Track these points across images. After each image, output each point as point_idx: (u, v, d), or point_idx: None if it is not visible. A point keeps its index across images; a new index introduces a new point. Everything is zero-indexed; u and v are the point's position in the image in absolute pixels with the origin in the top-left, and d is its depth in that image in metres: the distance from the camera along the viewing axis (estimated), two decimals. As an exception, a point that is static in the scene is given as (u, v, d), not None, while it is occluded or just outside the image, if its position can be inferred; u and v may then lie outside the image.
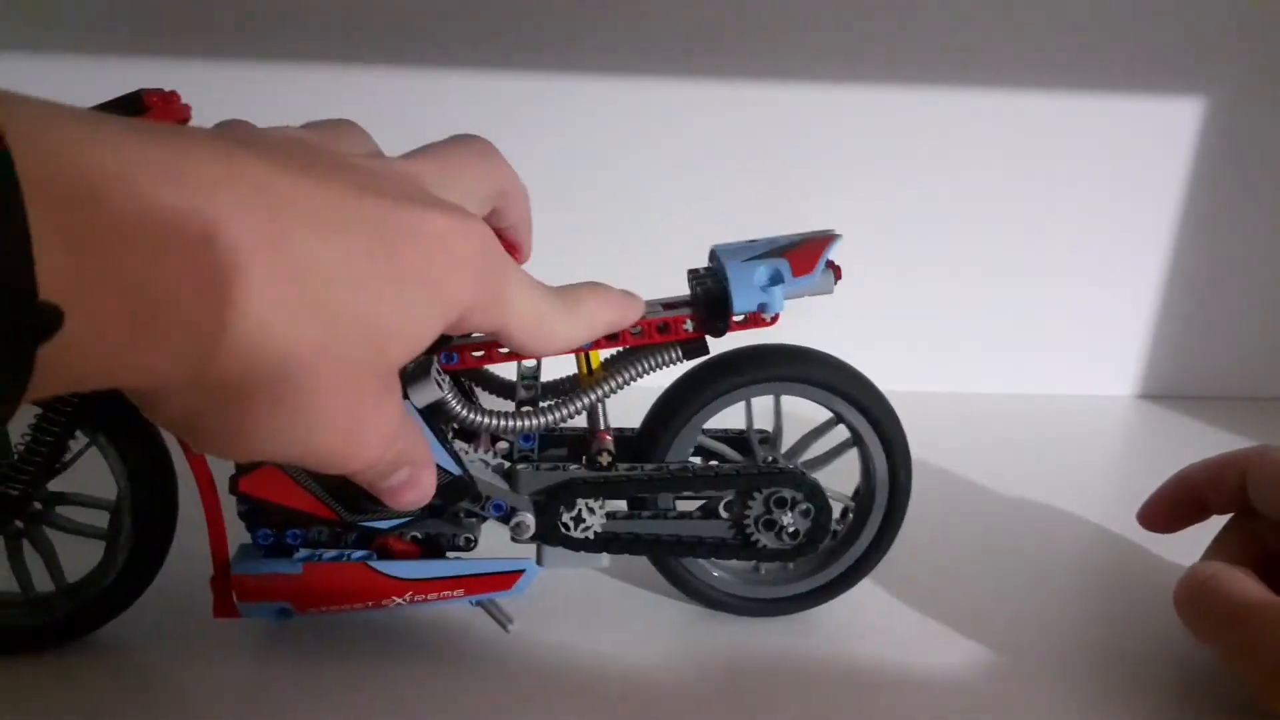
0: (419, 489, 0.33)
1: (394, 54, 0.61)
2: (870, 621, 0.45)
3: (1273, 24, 0.63)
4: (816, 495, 0.41)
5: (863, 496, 0.44)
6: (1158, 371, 0.71)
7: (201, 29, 0.60)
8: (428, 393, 0.36)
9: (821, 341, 0.43)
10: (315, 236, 0.26)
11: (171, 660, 0.41)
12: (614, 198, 0.64)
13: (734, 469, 0.42)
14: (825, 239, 0.39)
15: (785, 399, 0.43)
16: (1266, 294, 0.70)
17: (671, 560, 0.44)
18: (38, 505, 0.40)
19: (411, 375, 0.36)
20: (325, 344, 0.26)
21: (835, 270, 0.39)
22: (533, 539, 0.41)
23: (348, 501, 0.37)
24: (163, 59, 0.61)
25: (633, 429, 0.44)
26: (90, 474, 0.40)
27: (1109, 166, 0.66)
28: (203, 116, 0.35)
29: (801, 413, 0.43)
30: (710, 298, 0.39)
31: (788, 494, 0.41)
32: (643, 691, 0.40)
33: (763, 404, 0.44)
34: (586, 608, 0.45)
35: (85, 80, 0.60)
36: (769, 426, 0.45)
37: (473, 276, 0.30)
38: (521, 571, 0.40)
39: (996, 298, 0.69)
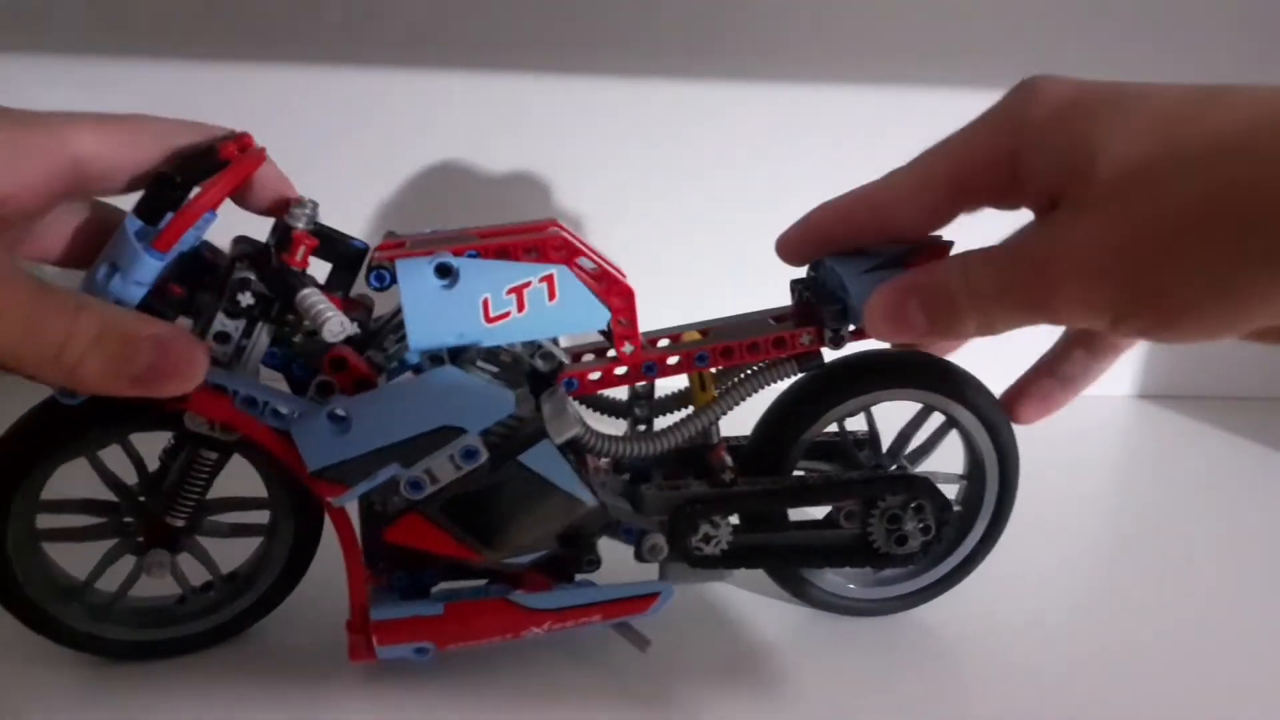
0: (185, 356, 0.32)
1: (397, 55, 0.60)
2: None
3: (1267, 18, 0.62)
4: (937, 499, 0.42)
5: (968, 505, 0.45)
6: (1157, 371, 0.72)
7: (198, 30, 0.59)
8: (569, 428, 0.36)
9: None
10: None
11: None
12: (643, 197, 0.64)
13: (857, 477, 0.42)
14: (942, 247, 0.39)
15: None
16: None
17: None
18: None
19: (551, 413, 0.36)
20: None
21: None
22: (666, 559, 0.41)
23: (490, 541, 0.37)
24: (162, 59, 0.60)
25: (738, 438, 0.44)
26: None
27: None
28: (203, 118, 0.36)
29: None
30: (822, 310, 0.39)
31: (910, 499, 0.41)
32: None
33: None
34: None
35: (85, 80, 0.59)
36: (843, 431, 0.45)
37: None
38: (658, 594, 0.40)
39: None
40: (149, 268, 0.33)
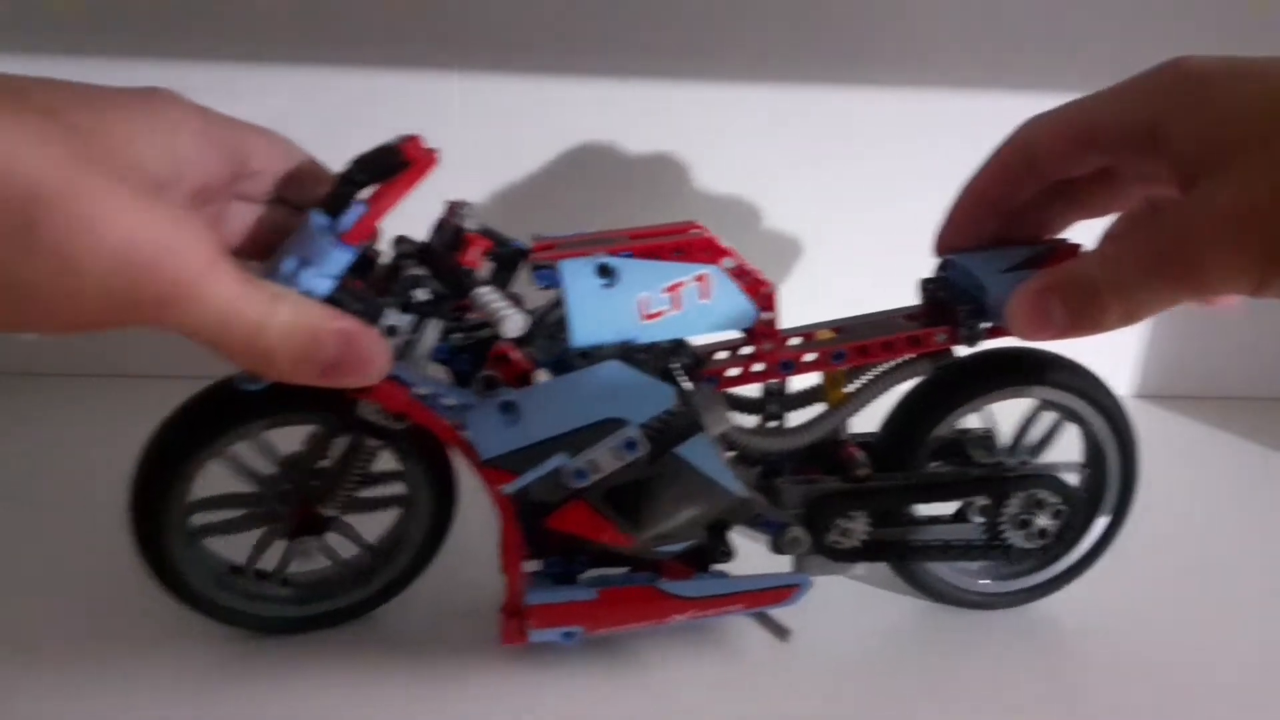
0: (367, 351, 0.34)
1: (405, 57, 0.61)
2: (885, 613, 0.47)
3: (1271, 24, 0.62)
4: (1067, 492, 0.43)
5: (1090, 499, 0.46)
6: (1157, 371, 0.71)
7: (195, 30, 0.60)
8: (722, 421, 0.38)
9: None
10: None
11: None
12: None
13: (990, 473, 0.43)
14: (1073, 248, 0.40)
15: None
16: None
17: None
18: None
19: (703, 408, 0.38)
20: None
21: None
22: (806, 552, 0.42)
23: (645, 530, 0.39)
24: (157, 59, 0.60)
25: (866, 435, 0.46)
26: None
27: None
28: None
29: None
30: (956, 308, 0.41)
31: (1042, 495, 0.42)
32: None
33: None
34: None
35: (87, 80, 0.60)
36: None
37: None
38: (797, 586, 0.42)
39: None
40: (338, 261, 0.35)
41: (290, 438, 0.41)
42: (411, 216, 0.37)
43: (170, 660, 0.42)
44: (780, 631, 0.42)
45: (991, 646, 0.45)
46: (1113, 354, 0.71)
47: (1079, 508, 0.43)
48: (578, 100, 0.62)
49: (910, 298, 0.44)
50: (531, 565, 0.41)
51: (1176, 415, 0.70)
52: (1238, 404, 0.71)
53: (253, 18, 0.59)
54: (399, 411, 0.37)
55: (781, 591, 0.42)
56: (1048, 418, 0.45)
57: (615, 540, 0.39)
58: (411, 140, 0.36)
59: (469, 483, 0.41)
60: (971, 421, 0.45)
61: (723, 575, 0.42)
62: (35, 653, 0.42)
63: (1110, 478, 0.45)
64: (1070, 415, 0.45)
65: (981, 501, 0.43)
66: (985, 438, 0.46)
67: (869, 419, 0.44)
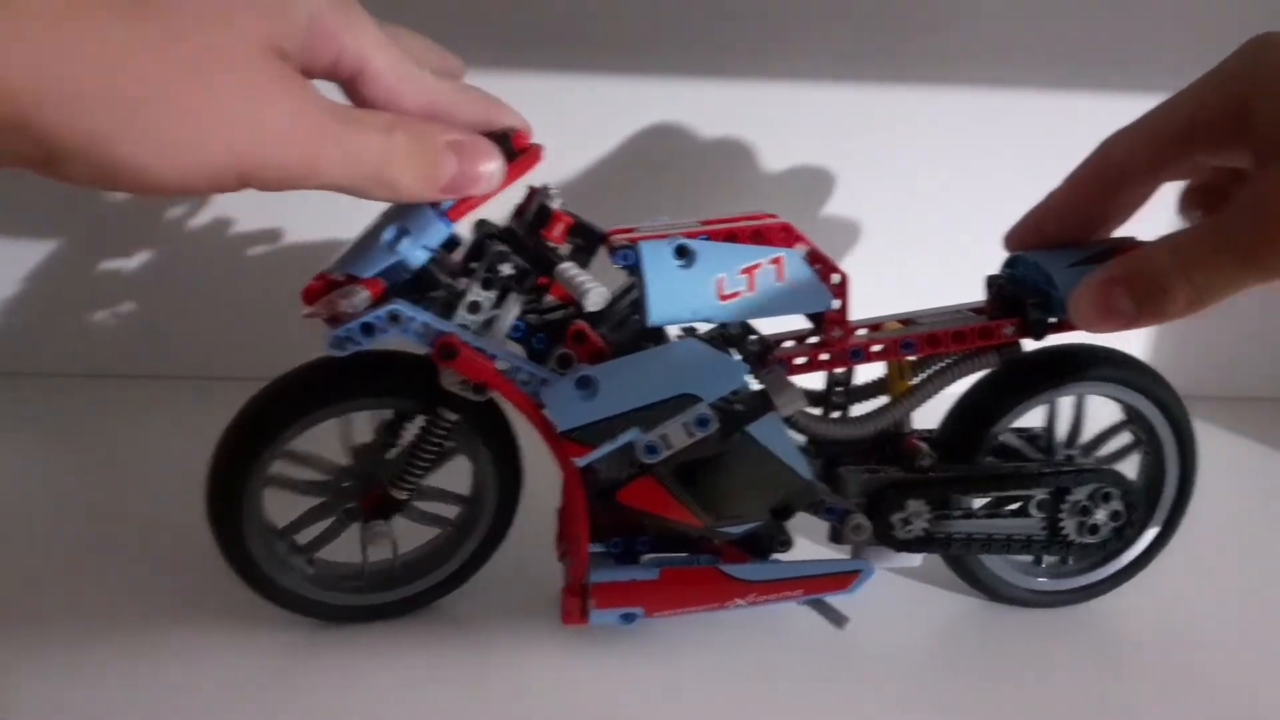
0: (482, 157, 0.34)
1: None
2: (939, 609, 0.47)
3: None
4: (1131, 493, 0.43)
5: (1147, 499, 0.46)
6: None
7: None
8: (793, 401, 0.38)
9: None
10: None
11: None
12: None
13: (1053, 468, 0.43)
14: (1137, 244, 0.41)
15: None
16: (1267, 294, 0.69)
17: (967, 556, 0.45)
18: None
19: (775, 388, 0.38)
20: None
21: None
22: (869, 541, 0.42)
23: (712, 508, 0.39)
24: None
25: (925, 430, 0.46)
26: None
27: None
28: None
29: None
30: (1025, 302, 0.41)
31: (1103, 490, 0.42)
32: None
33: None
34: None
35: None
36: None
37: None
38: (859, 572, 0.42)
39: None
40: (440, 234, 0.36)
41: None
42: (488, 206, 0.38)
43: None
44: (838, 619, 0.42)
45: (1040, 645, 0.44)
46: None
47: (1138, 504, 0.43)
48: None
49: (976, 297, 0.44)
50: (594, 547, 0.42)
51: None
52: (1238, 404, 0.70)
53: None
54: (481, 381, 0.38)
55: (842, 579, 0.42)
56: (1108, 414, 0.45)
57: (683, 517, 0.39)
58: (518, 133, 0.37)
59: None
60: (1035, 418, 0.45)
61: (782, 561, 0.42)
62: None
63: (1169, 476, 0.45)
64: (1131, 412, 0.45)
65: (1042, 495, 0.43)
66: (1044, 433, 0.46)
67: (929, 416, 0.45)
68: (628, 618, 0.41)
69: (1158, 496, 0.46)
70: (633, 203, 0.64)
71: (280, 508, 0.42)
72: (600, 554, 0.42)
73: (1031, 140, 0.62)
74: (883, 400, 0.44)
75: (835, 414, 0.45)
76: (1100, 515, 0.43)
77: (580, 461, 0.38)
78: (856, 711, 0.40)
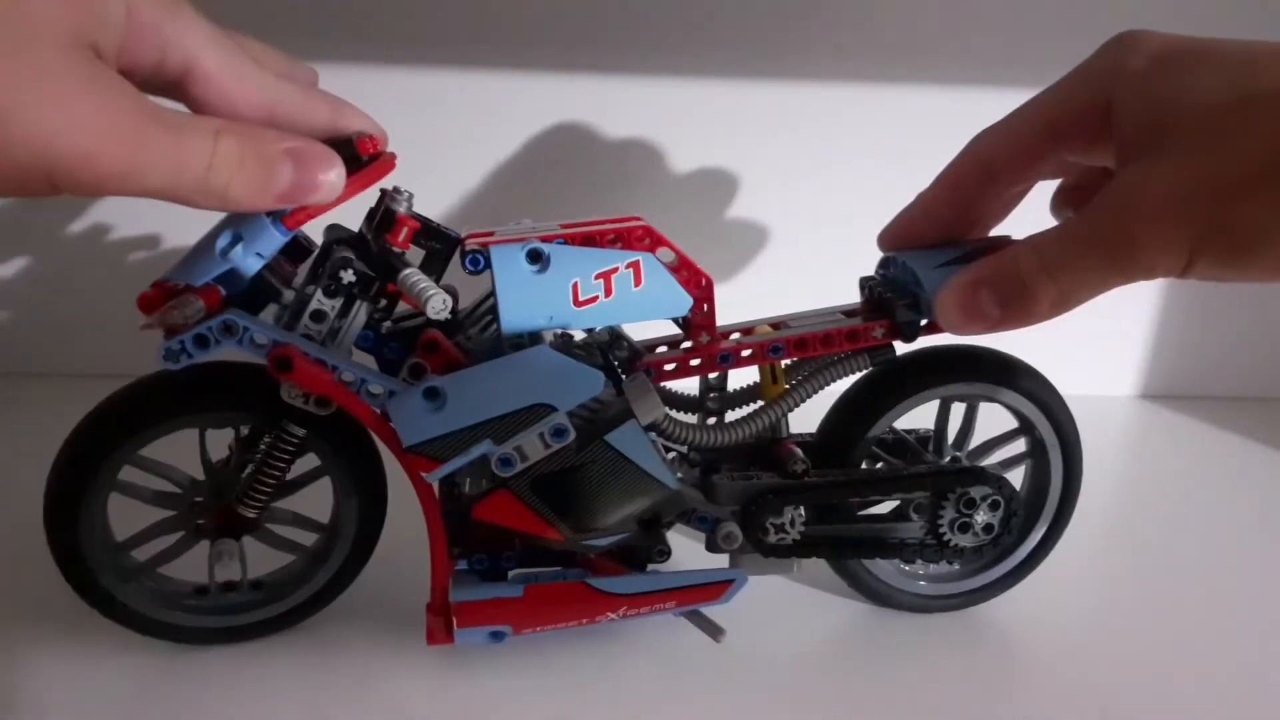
0: (321, 165, 0.32)
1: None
2: (824, 615, 0.46)
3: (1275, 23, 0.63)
4: (1007, 491, 0.42)
5: (1031, 502, 0.46)
6: (1157, 371, 0.72)
7: None
8: (653, 410, 0.37)
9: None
10: None
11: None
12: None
13: (928, 470, 0.43)
14: (1008, 243, 0.40)
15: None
16: (1267, 294, 0.71)
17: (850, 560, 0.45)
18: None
19: (635, 395, 0.37)
20: None
21: None
22: (739, 549, 0.42)
23: (574, 521, 0.38)
24: None
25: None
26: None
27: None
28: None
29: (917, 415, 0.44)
30: (894, 304, 0.40)
31: (981, 492, 0.42)
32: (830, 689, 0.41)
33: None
34: (754, 610, 0.45)
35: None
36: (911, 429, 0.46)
37: None
38: (731, 581, 0.41)
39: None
40: (273, 242, 0.34)
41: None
42: (347, 209, 0.37)
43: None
44: (714, 631, 0.41)
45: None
46: (1117, 354, 0.72)
47: (1019, 506, 0.43)
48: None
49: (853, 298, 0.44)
50: (458, 564, 0.40)
51: (1176, 415, 0.70)
52: (1238, 404, 0.71)
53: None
54: (322, 395, 0.36)
55: (715, 588, 0.41)
56: (985, 416, 0.45)
57: (542, 532, 0.38)
58: (371, 139, 0.35)
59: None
60: (908, 422, 0.45)
61: (656, 573, 0.41)
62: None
63: (1053, 479, 0.45)
64: (1016, 416, 0.45)
65: (920, 498, 0.43)
66: (924, 438, 0.46)
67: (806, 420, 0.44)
68: (496, 636, 0.40)
69: (1043, 500, 0.45)
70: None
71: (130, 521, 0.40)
72: (464, 571, 0.40)
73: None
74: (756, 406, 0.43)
75: (710, 420, 0.44)
76: (979, 517, 0.42)
77: (429, 477, 0.36)
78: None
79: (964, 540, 0.43)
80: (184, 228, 0.59)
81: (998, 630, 0.46)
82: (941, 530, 0.42)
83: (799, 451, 0.43)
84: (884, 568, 0.45)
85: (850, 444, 0.43)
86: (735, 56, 0.61)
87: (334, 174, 0.33)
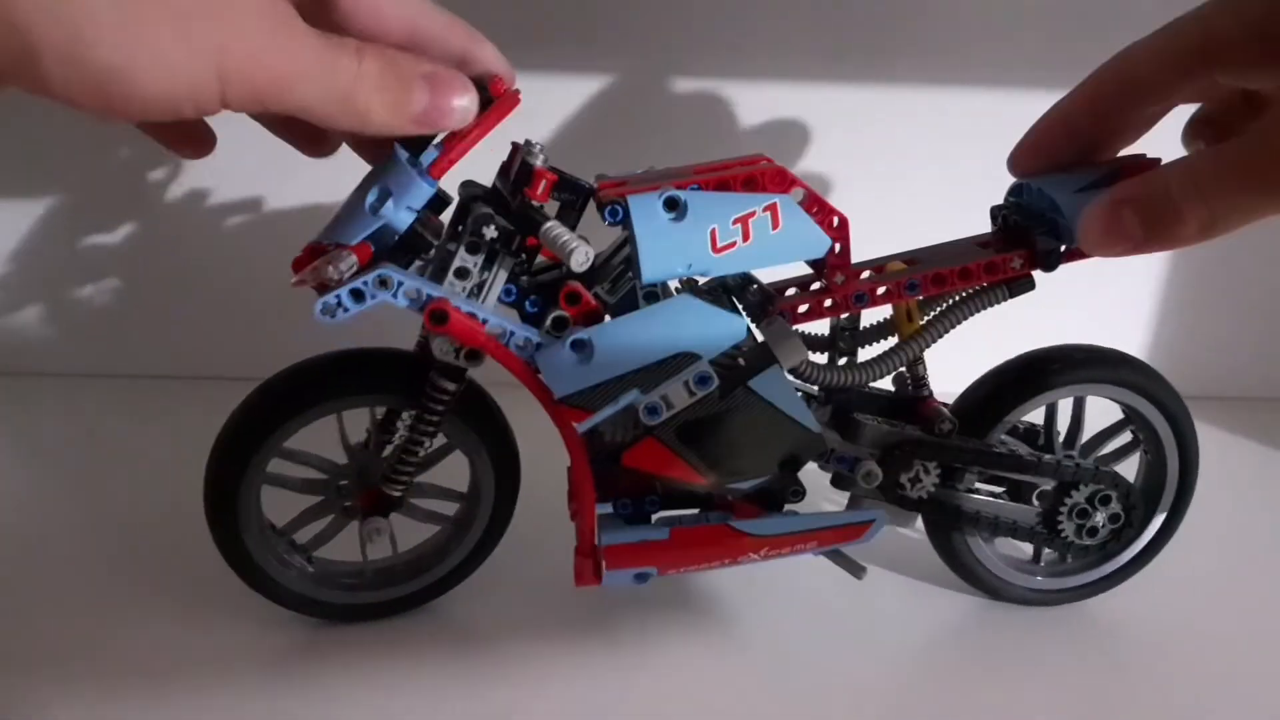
0: (456, 91, 0.33)
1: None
2: (917, 601, 0.46)
3: None
4: (1132, 499, 0.42)
5: (1148, 494, 0.45)
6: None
7: None
8: (795, 353, 0.37)
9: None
10: None
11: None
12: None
13: (1066, 462, 0.42)
14: (1151, 162, 0.39)
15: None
16: (1267, 294, 0.68)
17: (960, 547, 0.45)
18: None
19: (776, 340, 0.37)
20: None
21: None
22: (875, 492, 0.42)
23: (718, 466, 0.38)
24: None
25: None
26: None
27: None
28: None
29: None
30: (1032, 232, 0.39)
31: (1106, 493, 0.42)
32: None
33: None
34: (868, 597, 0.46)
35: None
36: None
37: None
38: (872, 521, 0.41)
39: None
40: (422, 194, 0.35)
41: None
42: (473, 165, 0.37)
43: (236, 648, 0.42)
44: (856, 569, 0.42)
45: (1042, 642, 0.44)
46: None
47: (1138, 511, 0.43)
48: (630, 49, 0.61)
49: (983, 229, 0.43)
50: (602, 509, 0.41)
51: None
52: (1238, 404, 0.70)
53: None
54: (475, 347, 0.37)
55: (856, 529, 0.41)
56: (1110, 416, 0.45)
57: (688, 477, 0.38)
58: (495, 79, 0.35)
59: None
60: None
61: (795, 514, 0.41)
62: (103, 640, 0.42)
63: (1168, 482, 0.45)
64: (1130, 412, 0.45)
65: (1046, 487, 0.43)
66: (1033, 431, 0.46)
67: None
68: (641, 577, 0.41)
69: (1158, 496, 0.45)
70: (621, 155, 0.62)
71: (283, 508, 0.42)
72: (610, 515, 0.41)
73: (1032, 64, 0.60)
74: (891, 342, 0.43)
75: (842, 359, 0.44)
76: (1098, 517, 0.43)
77: (580, 427, 0.37)
78: (856, 710, 0.40)
79: (1077, 536, 0.43)
80: (198, 233, 0.63)
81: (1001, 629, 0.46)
82: (1059, 522, 0.43)
83: (946, 410, 0.42)
84: (995, 560, 0.45)
85: (988, 423, 0.43)
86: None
87: (467, 99, 0.34)
